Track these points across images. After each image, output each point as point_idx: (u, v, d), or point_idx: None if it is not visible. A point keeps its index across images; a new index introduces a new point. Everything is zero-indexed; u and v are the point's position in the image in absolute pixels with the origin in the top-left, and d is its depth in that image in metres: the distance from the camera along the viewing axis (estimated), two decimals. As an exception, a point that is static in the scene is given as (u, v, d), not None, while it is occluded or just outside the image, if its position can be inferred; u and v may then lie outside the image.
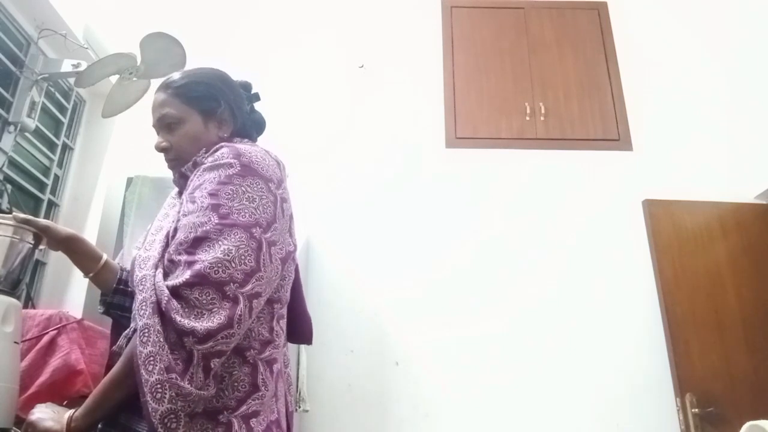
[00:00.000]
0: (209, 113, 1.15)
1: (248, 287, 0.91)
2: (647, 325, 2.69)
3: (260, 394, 0.94)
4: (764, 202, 2.92)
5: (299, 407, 2.22)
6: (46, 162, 2.22)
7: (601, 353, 2.67)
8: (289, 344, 1.18)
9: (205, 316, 0.86)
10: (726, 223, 2.82)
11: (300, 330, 1.18)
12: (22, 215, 1.14)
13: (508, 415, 2.57)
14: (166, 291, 0.89)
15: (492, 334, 2.70)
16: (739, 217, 2.84)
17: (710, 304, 2.66)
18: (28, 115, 1.98)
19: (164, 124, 1.14)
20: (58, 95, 2.28)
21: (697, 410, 2.45)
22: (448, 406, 2.60)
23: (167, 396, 0.83)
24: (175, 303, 0.87)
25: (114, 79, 2.06)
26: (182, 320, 0.85)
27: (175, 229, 0.97)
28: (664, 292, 2.68)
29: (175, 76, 1.18)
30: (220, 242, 0.91)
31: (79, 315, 1.85)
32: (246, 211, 0.96)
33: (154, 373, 0.84)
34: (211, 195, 0.96)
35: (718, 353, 2.57)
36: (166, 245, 0.97)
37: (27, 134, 2.05)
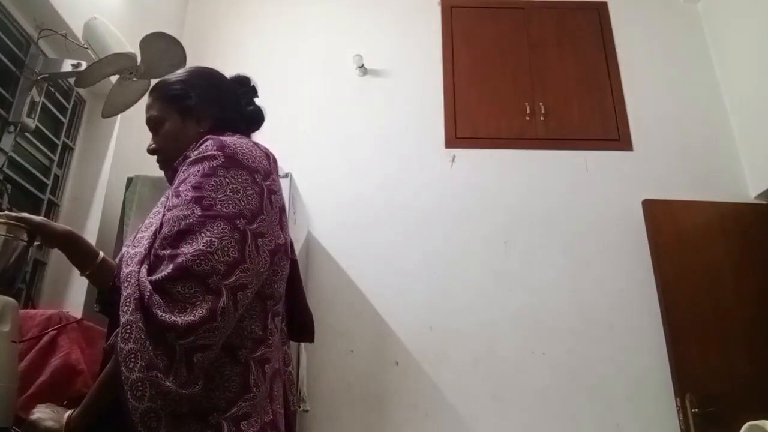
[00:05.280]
0: (186, 110, 1.14)
1: (232, 279, 0.89)
2: (647, 325, 2.69)
3: (251, 395, 0.92)
4: (764, 202, 2.92)
5: (299, 407, 2.22)
6: (46, 162, 2.22)
7: (601, 353, 2.67)
8: (291, 343, 1.17)
9: (188, 310, 0.85)
10: (726, 223, 2.82)
11: (301, 327, 1.17)
12: (14, 213, 1.14)
13: (508, 415, 2.57)
14: (149, 286, 0.88)
15: (492, 333, 2.70)
16: (739, 217, 2.84)
17: (710, 304, 2.66)
18: (28, 115, 1.98)
19: (151, 126, 1.16)
20: (58, 95, 2.28)
21: (697, 410, 2.45)
22: (448, 406, 2.60)
23: (147, 394, 0.82)
24: (157, 298, 0.86)
25: (114, 79, 2.06)
26: (163, 315, 0.85)
27: (161, 224, 0.96)
28: (664, 292, 2.68)
29: (167, 77, 1.19)
30: (202, 234, 0.90)
31: (79, 315, 1.85)
32: (229, 202, 0.95)
33: (134, 371, 0.83)
34: (195, 188, 0.96)
35: (718, 353, 2.57)
36: (154, 241, 0.96)
37: (27, 134, 2.05)
